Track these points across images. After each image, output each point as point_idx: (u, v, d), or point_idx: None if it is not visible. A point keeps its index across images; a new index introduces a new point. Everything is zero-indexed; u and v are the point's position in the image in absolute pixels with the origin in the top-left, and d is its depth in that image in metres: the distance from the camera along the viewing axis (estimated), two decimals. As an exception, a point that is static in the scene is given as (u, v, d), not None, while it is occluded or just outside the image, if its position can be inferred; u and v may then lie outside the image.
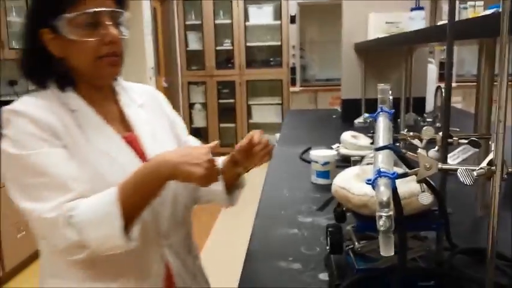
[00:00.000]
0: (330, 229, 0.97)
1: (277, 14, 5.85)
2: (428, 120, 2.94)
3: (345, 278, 0.94)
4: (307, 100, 5.65)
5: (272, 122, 5.96)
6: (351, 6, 3.23)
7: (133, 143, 1.07)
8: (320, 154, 1.71)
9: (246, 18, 5.89)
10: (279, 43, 5.87)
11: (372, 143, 0.93)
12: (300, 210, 1.43)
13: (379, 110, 0.92)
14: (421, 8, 2.50)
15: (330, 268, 1.01)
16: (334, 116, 3.64)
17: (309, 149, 2.05)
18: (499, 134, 0.64)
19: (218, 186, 1.12)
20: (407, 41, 2.06)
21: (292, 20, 5.71)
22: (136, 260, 1.03)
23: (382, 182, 0.67)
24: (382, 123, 0.87)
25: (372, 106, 3.32)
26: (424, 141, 0.72)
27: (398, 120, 2.82)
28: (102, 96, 1.09)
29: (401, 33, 2.34)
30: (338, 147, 2.04)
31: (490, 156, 0.66)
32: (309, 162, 1.78)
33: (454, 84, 5.05)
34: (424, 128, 0.73)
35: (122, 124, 1.10)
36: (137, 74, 4.98)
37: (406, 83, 2.51)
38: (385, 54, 3.21)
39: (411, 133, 0.92)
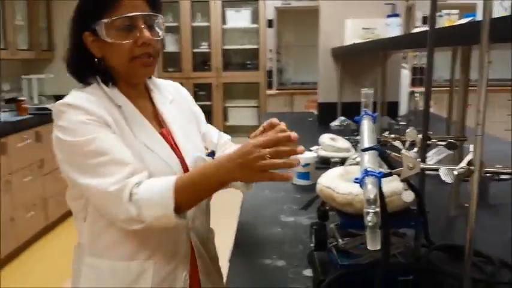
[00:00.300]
0: (314, 227, 1.01)
1: (255, 18, 5.89)
2: (402, 123, 3.02)
3: (328, 274, 0.98)
4: (283, 103, 5.71)
5: (248, 125, 5.99)
6: (328, 12, 3.29)
7: (167, 138, 1.17)
8: (300, 156, 1.75)
9: (224, 21, 5.91)
10: (256, 46, 5.91)
11: (354, 145, 0.96)
12: (282, 210, 1.47)
13: (362, 113, 0.96)
14: (397, 15, 2.58)
15: (313, 265, 1.05)
16: (310, 119, 3.70)
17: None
18: (477, 136, 0.69)
19: None
20: (387, 46, 2.13)
21: (270, 24, 5.77)
22: (168, 240, 1.13)
23: (369, 181, 0.71)
24: (366, 126, 0.92)
25: (348, 109, 3.42)
26: (408, 143, 0.76)
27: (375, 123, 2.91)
28: (137, 93, 1.18)
29: (381, 39, 2.41)
30: (317, 149, 2.08)
31: (469, 156, 0.70)
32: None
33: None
34: (408, 130, 0.77)
35: (156, 120, 1.19)
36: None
37: (382, 87, 2.58)
38: (361, 59, 3.29)
39: (392, 135, 0.97)
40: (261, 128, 1.09)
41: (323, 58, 3.38)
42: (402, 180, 0.75)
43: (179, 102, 1.28)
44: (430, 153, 1.77)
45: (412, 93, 2.88)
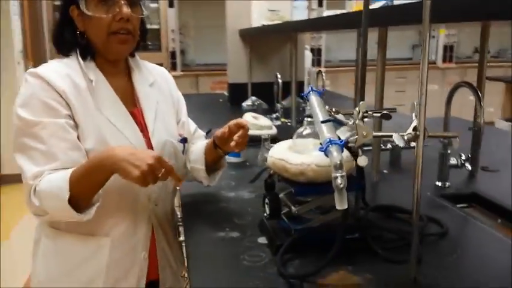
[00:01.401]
0: (268, 197, 1.09)
1: (155, -3, 5.75)
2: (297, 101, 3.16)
3: (283, 239, 1.06)
4: (188, 85, 5.69)
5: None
6: (235, -5, 3.35)
7: (138, 118, 1.19)
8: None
9: (121, 0, 5.69)
10: (158, 27, 5.79)
11: (308, 116, 1.05)
12: (221, 187, 1.52)
13: (309, 89, 1.05)
14: (305, -1, 2.73)
15: (267, 232, 1.13)
16: (221, 100, 3.76)
17: (210, 131, 2.14)
18: (421, 105, 0.81)
19: (201, 166, 1.31)
20: (303, 28, 2.25)
21: (171, 3, 5.67)
22: (127, 219, 1.15)
23: (334, 149, 0.79)
24: (316, 101, 1.00)
25: (258, 89, 3.52)
26: (360, 114, 0.86)
27: (283, 102, 3.05)
28: (116, 70, 1.20)
29: (300, 20, 2.52)
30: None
31: (414, 123, 0.82)
32: (219, 142, 1.87)
33: (323, 69, 5.50)
34: (361, 102, 0.87)
35: (131, 99, 1.21)
36: (4, 58, 4.55)
37: (294, 67, 2.71)
38: (269, 41, 3.41)
39: (333, 108, 1.06)
40: (225, 129, 1.24)
41: (231, 39, 3.43)
42: (358, 147, 0.85)
43: (161, 86, 1.30)
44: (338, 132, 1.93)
45: (319, 72, 3.06)
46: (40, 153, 1.04)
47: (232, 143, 1.25)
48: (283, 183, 1.12)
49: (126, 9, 1.10)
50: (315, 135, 1.07)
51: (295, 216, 1.08)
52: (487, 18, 0.98)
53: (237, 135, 1.23)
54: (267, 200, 1.09)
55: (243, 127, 1.24)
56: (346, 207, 0.78)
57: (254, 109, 3.27)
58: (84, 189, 1.01)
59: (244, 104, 3.37)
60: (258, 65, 3.47)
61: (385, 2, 1.54)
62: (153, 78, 1.29)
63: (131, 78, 1.24)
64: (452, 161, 1.52)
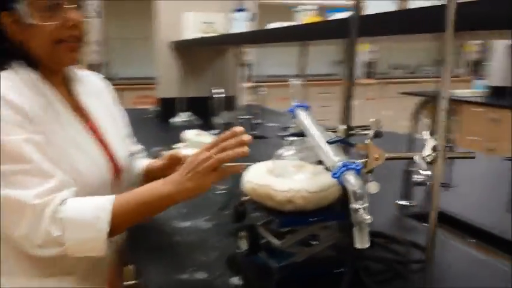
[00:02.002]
0: (246, 230, 0.92)
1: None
2: (245, 117, 3.06)
3: (264, 279, 0.90)
4: (109, 100, 5.33)
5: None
6: (164, 5, 3.16)
7: (95, 134, 1.06)
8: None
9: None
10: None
11: (291, 135, 0.91)
12: (170, 216, 1.32)
13: (295, 104, 0.90)
14: (244, 10, 2.60)
15: (241, 272, 0.96)
16: (149, 116, 3.52)
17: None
18: (441, 122, 0.69)
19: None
20: (245, 40, 2.12)
21: (99, 14, 5.32)
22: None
23: (351, 175, 0.65)
24: (308, 118, 0.86)
25: (192, 104, 3.34)
26: (371, 133, 0.73)
27: (220, 117, 2.90)
28: (57, 81, 1.05)
29: (248, 32, 2.37)
30: (183, 146, 1.96)
31: (431, 143, 0.70)
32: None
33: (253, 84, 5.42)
34: (372, 120, 0.74)
35: (79, 112, 1.06)
36: None
37: (232, 81, 2.58)
38: (203, 53, 3.26)
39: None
40: (161, 162, 1.18)
41: (161, 51, 3.24)
42: (368, 172, 0.72)
43: (103, 96, 1.16)
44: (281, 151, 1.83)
45: (256, 87, 2.96)
46: (30, 174, 0.87)
47: None
48: (258, 212, 0.96)
49: (75, 15, 0.96)
50: (298, 156, 0.93)
51: (274, 250, 0.92)
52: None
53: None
54: (243, 233, 0.93)
55: (179, 160, 1.12)
56: (367, 245, 0.64)
57: (186, 125, 3.10)
58: (127, 221, 0.91)
59: (175, 120, 3.18)
60: (191, 78, 3.30)
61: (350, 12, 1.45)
62: (96, 88, 1.17)
63: (70, 88, 1.09)
64: (417, 178, 1.45)
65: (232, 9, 2.66)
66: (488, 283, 0.96)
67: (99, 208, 0.87)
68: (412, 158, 0.71)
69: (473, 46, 6.13)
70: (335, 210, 0.91)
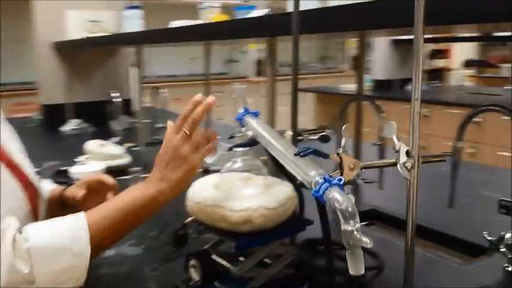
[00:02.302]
0: (198, 257, 0.81)
1: None
2: (142, 121, 2.87)
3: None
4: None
5: None
6: (43, 3, 2.85)
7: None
8: (83, 170, 1.44)
9: None
10: None
11: (231, 148, 0.81)
12: (89, 243, 1.15)
13: (243, 111, 0.81)
14: (138, 7, 2.42)
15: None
16: (32, 125, 3.15)
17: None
18: (415, 125, 0.65)
19: None
20: (142, 40, 1.96)
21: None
22: None
23: (336, 192, 0.58)
24: (262, 126, 0.77)
25: (81, 110, 3.07)
26: (343, 141, 0.66)
27: (116, 124, 2.68)
28: None
29: (147, 31, 2.17)
30: (86, 159, 1.75)
31: (403, 147, 0.66)
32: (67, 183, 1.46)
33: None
34: (345, 125, 0.67)
35: None
36: None
37: (120, 83, 2.39)
38: (92, 55, 3.01)
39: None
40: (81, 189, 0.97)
41: (42, 54, 2.92)
42: (347, 183, 0.65)
43: None
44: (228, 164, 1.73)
45: (156, 88, 2.79)
46: None
47: None
48: (205, 234, 0.85)
49: None
50: (247, 169, 0.84)
51: (230, 277, 0.82)
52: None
53: None
54: (193, 262, 0.81)
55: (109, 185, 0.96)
56: (363, 272, 0.57)
57: (79, 133, 2.84)
58: (108, 242, 0.77)
59: (64, 129, 2.89)
60: (79, 82, 3.03)
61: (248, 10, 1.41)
62: None
63: None
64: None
65: (123, 6, 2.47)
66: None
67: (72, 227, 0.70)
68: (388, 166, 0.66)
69: (352, 42, 6.50)
70: (291, 223, 0.84)
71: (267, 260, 0.86)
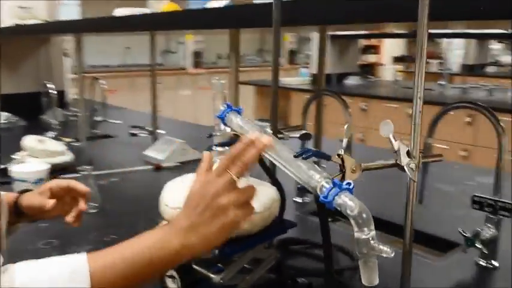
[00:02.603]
0: (177, 267, 0.74)
1: None
2: (80, 114, 2.70)
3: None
4: None
5: None
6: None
7: None
8: (26, 170, 1.30)
9: None
10: None
11: (221, 145, 0.74)
12: (39, 253, 1.04)
13: (226, 108, 0.74)
14: (76, -7, 2.26)
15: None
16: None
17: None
18: (417, 125, 0.63)
19: None
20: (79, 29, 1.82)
21: None
22: None
23: (347, 197, 0.54)
24: (249, 124, 0.71)
25: (8, 103, 2.84)
26: (345, 141, 0.62)
27: (46, 117, 2.51)
28: None
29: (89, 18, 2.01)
30: (23, 156, 1.60)
31: (403, 148, 0.64)
32: (8, 183, 1.32)
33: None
34: (346, 125, 0.63)
35: None
36: None
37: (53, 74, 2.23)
38: (20, 44, 2.79)
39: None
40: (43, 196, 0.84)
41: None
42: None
43: None
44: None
45: (96, 79, 2.63)
46: None
47: (70, 219, 0.84)
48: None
49: None
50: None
51: (211, 287, 0.76)
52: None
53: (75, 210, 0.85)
54: (172, 273, 0.74)
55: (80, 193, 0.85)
56: (377, 282, 0.53)
57: (9, 127, 2.62)
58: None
59: (-5, 125, 2.65)
60: (6, 73, 2.79)
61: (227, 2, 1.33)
62: None
63: None
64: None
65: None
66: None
67: (72, 276, 0.57)
68: (389, 167, 0.63)
69: (288, 36, 6.55)
70: (274, 226, 0.80)
71: (246, 265, 0.81)
